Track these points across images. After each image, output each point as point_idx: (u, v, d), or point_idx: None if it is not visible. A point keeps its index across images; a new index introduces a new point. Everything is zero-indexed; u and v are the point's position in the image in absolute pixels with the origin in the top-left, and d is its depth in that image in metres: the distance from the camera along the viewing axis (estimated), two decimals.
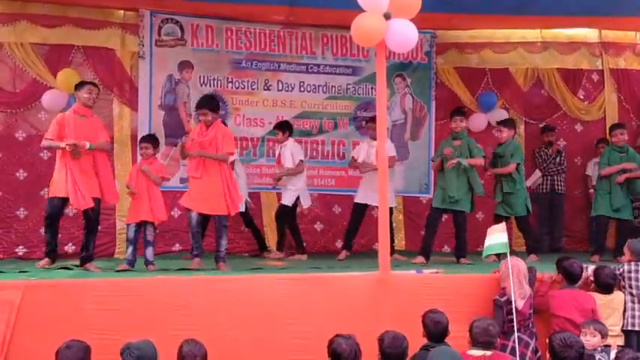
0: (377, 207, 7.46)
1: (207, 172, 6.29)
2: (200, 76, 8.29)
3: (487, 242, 5.30)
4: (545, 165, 8.74)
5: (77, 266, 6.28)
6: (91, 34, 7.85)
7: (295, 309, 5.22)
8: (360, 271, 5.80)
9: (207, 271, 6.07)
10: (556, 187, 8.72)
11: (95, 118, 6.35)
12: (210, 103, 6.48)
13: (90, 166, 6.08)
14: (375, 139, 7.54)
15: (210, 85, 8.30)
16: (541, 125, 9.03)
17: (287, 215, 7.69)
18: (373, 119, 7.66)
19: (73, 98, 7.60)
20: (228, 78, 8.38)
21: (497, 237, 5.25)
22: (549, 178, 8.73)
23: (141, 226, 6.36)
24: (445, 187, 7.00)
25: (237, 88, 8.42)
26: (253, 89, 8.48)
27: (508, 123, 7.58)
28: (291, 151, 7.67)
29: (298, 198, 7.68)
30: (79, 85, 6.27)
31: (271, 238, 8.22)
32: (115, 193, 6.41)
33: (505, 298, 5.14)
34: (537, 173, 8.76)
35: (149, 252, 6.35)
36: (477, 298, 5.37)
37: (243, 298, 5.19)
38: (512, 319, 4.96)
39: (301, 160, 7.69)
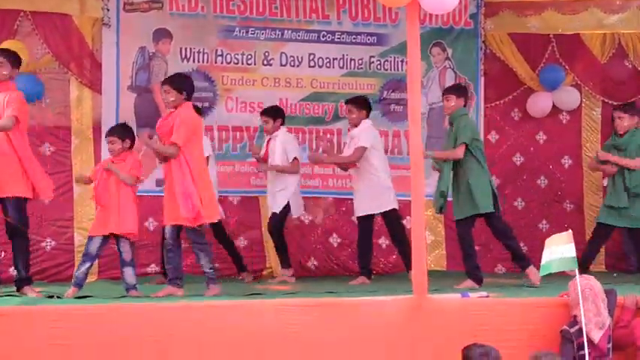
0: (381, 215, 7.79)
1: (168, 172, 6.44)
2: (181, 49, 8.41)
3: (547, 256, 5.32)
4: None
5: (20, 293, 6.40)
6: None
7: (306, 343, 5.30)
8: (389, 295, 5.88)
9: (193, 297, 6.18)
10: None
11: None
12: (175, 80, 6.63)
13: None
14: (356, 126, 7.76)
15: (193, 60, 8.43)
16: None
17: (277, 225, 7.89)
18: (354, 100, 7.88)
19: (21, 78, 7.76)
20: (217, 50, 8.49)
21: (561, 250, 5.29)
22: None
23: (108, 240, 6.48)
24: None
25: (228, 63, 8.53)
26: (249, 64, 8.59)
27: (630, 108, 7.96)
28: (283, 145, 7.83)
29: (288, 205, 7.85)
30: None
31: (272, 253, 8.37)
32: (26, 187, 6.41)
33: (577, 328, 5.21)
34: None
35: (128, 274, 6.46)
36: (540, 329, 5.43)
37: (239, 330, 5.28)
38: (585, 355, 5.03)
39: (296, 158, 7.87)
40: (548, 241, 5.41)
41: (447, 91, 7.48)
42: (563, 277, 7.20)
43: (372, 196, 7.73)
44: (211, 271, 6.46)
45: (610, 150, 7.91)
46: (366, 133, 7.77)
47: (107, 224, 6.41)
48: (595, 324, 5.21)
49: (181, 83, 6.52)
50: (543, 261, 5.34)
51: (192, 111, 6.49)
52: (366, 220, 7.82)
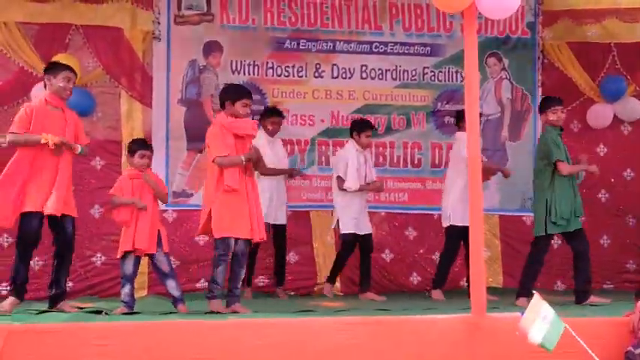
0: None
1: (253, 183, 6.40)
2: (232, 62, 8.42)
3: (539, 333, 4.63)
4: None
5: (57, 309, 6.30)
6: (92, 9, 8.04)
7: None
8: (446, 313, 5.77)
9: (243, 315, 6.11)
10: None
11: (71, 112, 6.35)
12: None
13: (53, 172, 6.13)
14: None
15: (244, 72, 8.43)
16: None
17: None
18: None
19: (73, 92, 7.77)
20: (267, 63, 8.49)
21: (542, 316, 4.73)
22: None
23: (139, 258, 6.43)
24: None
25: (279, 75, 8.52)
26: (300, 77, 8.57)
27: None
28: (345, 159, 7.97)
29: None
30: (52, 70, 6.28)
31: (323, 269, 8.35)
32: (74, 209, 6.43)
33: None
34: None
35: (171, 286, 6.38)
36: (602, 350, 5.21)
37: (290, 348, 5.20)
38: None
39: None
40: (525, 322, 4.75)
41: (561, 103, 7.27)
42: (627, 293, 6.99)
43: (466, 205, 7.55)
44: (216, 285, 6.25)
45: None
46: None
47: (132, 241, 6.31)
48: None
49: None
50: (540, 341, 4.67)
51: None
52: (456, 229, 7.61)
